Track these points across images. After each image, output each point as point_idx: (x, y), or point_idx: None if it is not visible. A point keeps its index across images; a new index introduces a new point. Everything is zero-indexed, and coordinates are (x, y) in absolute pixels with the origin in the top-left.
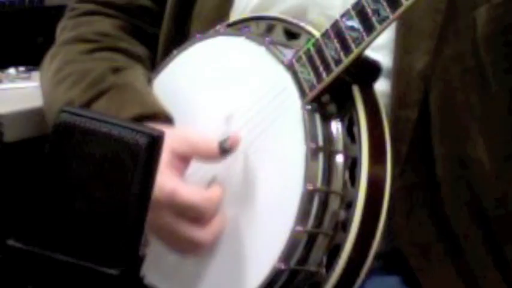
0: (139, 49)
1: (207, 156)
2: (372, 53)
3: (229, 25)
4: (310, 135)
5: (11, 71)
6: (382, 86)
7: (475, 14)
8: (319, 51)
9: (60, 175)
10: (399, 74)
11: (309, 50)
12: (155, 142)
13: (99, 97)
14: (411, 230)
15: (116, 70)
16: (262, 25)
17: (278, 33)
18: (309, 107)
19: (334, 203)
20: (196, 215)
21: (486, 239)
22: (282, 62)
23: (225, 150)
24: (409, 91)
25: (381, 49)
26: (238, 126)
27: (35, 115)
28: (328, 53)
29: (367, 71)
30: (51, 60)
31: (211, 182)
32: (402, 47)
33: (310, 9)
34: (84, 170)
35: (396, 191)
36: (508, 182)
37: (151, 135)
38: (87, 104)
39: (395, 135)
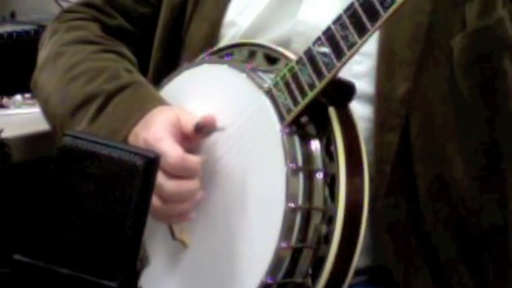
0: (131, 56)
1: (189, 128)
2: (355, 80)
3: (214, 52)
4: (290, 157)
5: (18, 97)
6: (365, 111)
7: (451, 42)
8: (295, 77)
9: (63, 194)
10: (381, 100)
11: (285, 75)
12: (151, 163)
13: (121, 90)
14: (395, 246)
15: (128, 70)
16: (244, 51)
17: (259, 59)
18: (288, 129)
19: (316, 218)
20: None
21: (464, 254)
22: (262, 88)
23: (199, 127)
24: (390, 116)
25: (363, 76)
26: (224, 149)
27: (39, 138)
28: (303, 78)
29: (341, 92)
30: (50, 39)
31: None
32: (383, 75)
33: (294, 40)
34: (85, 189)
35: (380, 209)
36: (485, 200)
37: (148, 157)
38: (111, 95)
39: (379, 158)
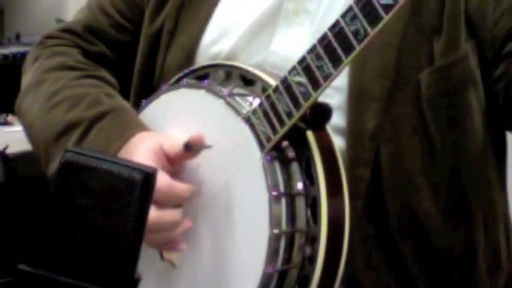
0: (112, 80)
1: (174, 151)
2: None
3: (191, 72)
4: (272, 183)
5: None
6: (337, 143)
7: (419, 77)
8: (272, 106)
9: (65, 207)
10: (352, 134)
11: (263, 103)
12: (149, 178)
13: (101, 118)
14: (371, 277)
15: (109, 95)
16: (221, 72)
17: (235, 79)
18: (268, 156)
19: (300, 240)
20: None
21: (435, 282)
22: (240, 115)
23: (188, 145)
24: (361, 151)
25: (335, 110)
26: (206, 175)
27: None
28: (280, 107)
29: (319, 115)
30: (32, 65)
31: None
32: (354, 110)
33: (267, 70)
34: (86, 203)
35: (355, 242)
36: (454, 231)
37: (146, 171)
38: (92, 123)
39: (351, 194)
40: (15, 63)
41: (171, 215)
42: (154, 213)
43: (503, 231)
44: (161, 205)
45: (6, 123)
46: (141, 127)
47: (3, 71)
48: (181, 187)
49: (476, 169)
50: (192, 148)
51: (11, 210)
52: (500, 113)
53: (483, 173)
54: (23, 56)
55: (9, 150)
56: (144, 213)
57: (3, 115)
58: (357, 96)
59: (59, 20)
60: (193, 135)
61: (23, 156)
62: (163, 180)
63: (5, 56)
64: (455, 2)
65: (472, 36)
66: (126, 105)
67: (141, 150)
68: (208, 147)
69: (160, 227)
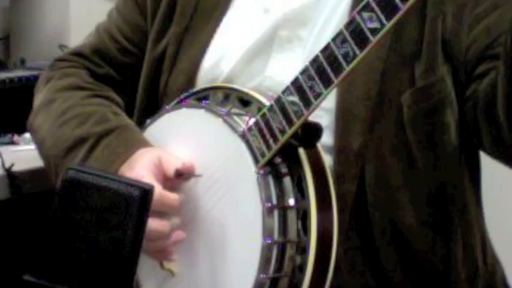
0: (118, 99)
1: (168, 172)
2: None
3: (192, 93)
4: (265, 196)
5: (27, 135)
6: (325, 161)
7: (401, 99)
8: (267, 123)
9: (68, 221)
10: (339, 152)
11: (258, 121)
12: (146, 194)
13: (108, 134)
14: (356, 285)
15: (115, 113)
16: (219, 94)
17: (233, 101)
18: (262, 171)
19: (290, 250)
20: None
21: None
22: (237, 132)
23: (178, 173)
24: (347, 167)
25: (324, 129)
26: (204, 188)
27: (46, 172)
28: (274, 125)
29: (310, 134)
30: (44, 85)
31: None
32: (340, 129)
33: (262, 93)
34: (87, 217)
35: (342, 252)
36: (434, 243)
37: (143, 188)
38: (99, 138)
39: (338, 207)
40: (21, 87)
41: (165, 224)
42: (151, 222)
43: (480, 242)
44: (154, 213)
45: (12, 142)
46: (144, 144)
47: (9, 94)
48: (171, 196)
49: (453, 184)
50: (182, 176)
51: (16, 224)
52: (469, 131)
53: (460, 189)
54: (28, 79)
55: (14, 168)
56: (141, 227)
57: (9, 135)
58: (343, 117)
59: (61, 46)
60: (184, 164)
61: (27, 174)
62: (155, 190)
63: (11, 80)
64: (433, 29)
65: (448, 60)
66: (131, 123)
67: (142, 161)
68: (199, 176)
69: (157, 235)
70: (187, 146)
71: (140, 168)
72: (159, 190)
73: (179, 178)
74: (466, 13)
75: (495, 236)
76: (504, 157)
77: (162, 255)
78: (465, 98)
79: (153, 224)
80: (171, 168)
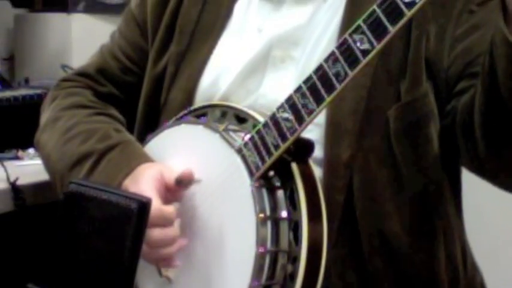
0: (120, 116)
1: (170, 183)
2: None
3: (191, 111)
4: (259, 207)
5: (31, 150)
6: (316, 173)
7: (388, 113)
8: (262, 139)
9: (70, 231)
10: (328, 164)
11: (253, 137)
12: (144, 207)
13: (111, 149)
14: None
15: (117, 130)
16: (217, 111)
17: (230, 118)
18: (257, 184)
19: (282, 259)
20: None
21: None
22: (233, 147)
23: (179, 180)
24: (336, 179)
25: (314, 143)
26: (202, 200)
27: (49, 185)
28: (269, 140)
29: (302, 149)
30: (50, 104)
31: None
32: (330, 142)
33: (257, 111)
34: (88, 228)
35: (331, 258)
36: (420, 250)
37: (141, 201)
38: (102, 154)
39: (327, 216)
40: (25, 105)
41: (170, 231)
42: (157, 231)
43: (460, 251)
44: (153, 225)
45: (16, 157)
46: (145, 158)
47: (14, 112)
48: (168, 209)
49: (436, 195)
50: (182, 182)
51: (20, 234)
52: (449, 146)
53: (442, 200)
54: (31, 98)
55: (19, 182)
56: (140, 237)
57: (14, 150)
58: (333, 131)
59: (63, 66)
60: (183, 172)
61: (31, 188)
62: (154, 205)
63: (15, 98)
64: (417, 48)
65: (431, 77)
66: (132, 139)
67: (144, 176)
68: (198, 181)
69: (163, 242)
70: (186, 160)
71: (143, 183)
72: (158, 205)
73: (180, 186)
74: (448, 33)
75: (475, 245)
76: (480, 171)
77: (165, 262)
78: (445, 114)
79: (156, 234)
80: (172, 178)
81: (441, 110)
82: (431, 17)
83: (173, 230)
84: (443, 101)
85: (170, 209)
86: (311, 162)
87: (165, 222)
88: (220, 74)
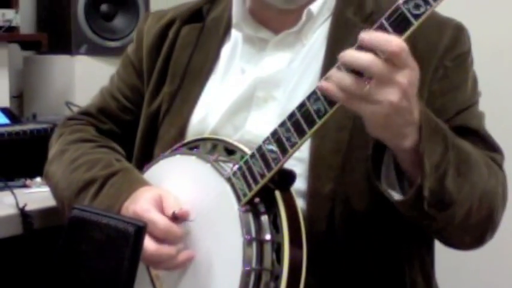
0: (120, 149)
1: (165, 210)
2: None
3: (184, 144)
4: (246, 230)
5: (38, 179)
6: (300, 204)
7: (366, 151)
8: (249, 168)
9: (72, 252)
10: (311, 196)
11: (241, 167)
12: (140, 230)
13: (113, 175)
14: None
15: (118, 160)
16: (208, 144)
17: (220, 150)
18: (244, 209)
19: (266, 277)
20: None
21: None
22: (223, 176)
23: (175, 216)
24: (319, 210)
25: (298, 177)
26: (195, 223)
27: (54, 211)
28: (255, 170)
29: (285, 179)
30: (57, 140)
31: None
32: (313, 176)
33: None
34: (89, 249)
35: (310, 279)
36: (397, 273)
37: (138, 225)
38: (105, 180)
39: (311, 242)
40: (32, 138)
41: (168, 249)
42: (153, 247)
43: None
44: (160, 241)
45: (25, 186)
46: (145, 183)
47: (22, 144)
48: (177, 229)
49: (409, 226)
50: (177, 219)
51: (28, 255)
52: None
53: (414, 232)
54: (39, 132)
55: (27, 208)
56: (136, 257)
57: (23, 179)
58: (316, 165)
59: (68, 103)
60: (181, 210)
61: (38, 213)
62: (164, 220)
63: (24, 132)
64: None
65: None
66: (132, 166)
67: (144, 196)
68: (191, 220)
69: (160, 258)
70: (180, 187)
71: (143, 201)
72: (167, 221)
73: (174, 220)
74: (425, 87)
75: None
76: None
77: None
78: None
79: (165, 249)
80: (169, 210)
81: None
82: None
83: (171, 248)
84: None
85: (179, 228)
86: (294, 193)
87: (173, 239)
88: (209, 111)
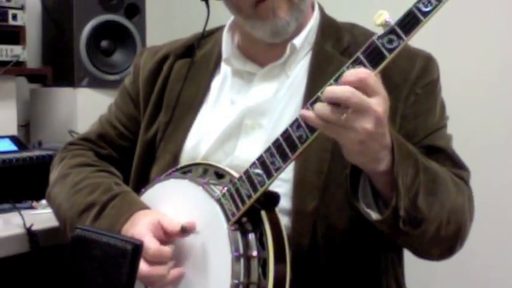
0: (118, 173)
1: (171, 229)
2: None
3: (177, 169)
4: (234, 247)
5: (43, 201)
6: (284, 222)
7: (346, 171)
8: (237, 190)
9: (75, 269)
10: (296, 214)
11: (230, 189)
12: (137, 248)
13: (113, 199)
14: None
15: (117, 183)
16: (200, 169)
17: (211, 174)
18: (232, 227)
19: None
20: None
21: None
22: (213, 197)
23: (184, 229)
24: (302, 226)
25: (283, 196)
26: (187, 240)
27: (58, 230)
28: (243, 192)
29: (270, 200)
30: (59, 163)
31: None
32: (297, 196)
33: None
34: (91, 266)
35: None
36: (374, 283)
37: (135, 243)
38: (106, 202)
39: (295, 256)
40: (38, 163)
41: (160, 270)
42: (146, 269)
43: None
44: (152, 263)
45: (31, 207)
46: (143, 205)
47: (29, 169)
48: (166, 250)
49: (385, 240)
50: (186, 231)
51: (34, 271)
52: None
53: (389, 245)
54: (44, 158)
55: (33, 228)
56: (133, 273)
57: (29, 201)
58: (300, 186)
59: (70, 131)
60: (190, 222)
61: (44, 232)
62: (154, 245)
63: (30, 158)
64: None
65: None
66: (131, 190)
67: (143, 221)
68: (197, 232)
69: (153, 278)
70: (174, 207)
71: (141, 226)
72: (157, 245)
73: (184, 233)
74: (398, 113)
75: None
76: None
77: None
78: None
79: (156, 270)
80: (176, 226)
81: None
82: None
83: (162, 269)
84: None
85: (167, 249)
86: (279, 211)
87: (162, 260)
88: (200, 139)
